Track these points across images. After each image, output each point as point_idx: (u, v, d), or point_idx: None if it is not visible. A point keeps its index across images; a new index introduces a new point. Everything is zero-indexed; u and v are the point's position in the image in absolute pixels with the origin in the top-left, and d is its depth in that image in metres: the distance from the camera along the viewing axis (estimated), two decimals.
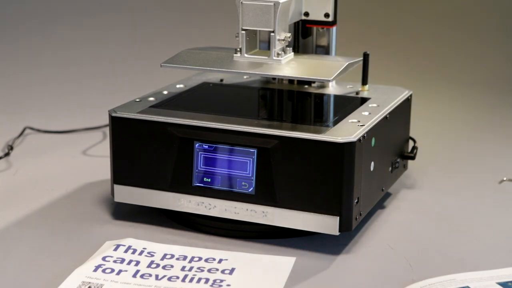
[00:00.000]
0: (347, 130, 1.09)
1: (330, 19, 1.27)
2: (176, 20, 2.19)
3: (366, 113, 1.17)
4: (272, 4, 1.14)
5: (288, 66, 1.16)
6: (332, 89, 1.31)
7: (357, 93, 1.29)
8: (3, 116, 1.68)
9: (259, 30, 1.18)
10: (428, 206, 1.27)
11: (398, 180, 1.31)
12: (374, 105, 1.21)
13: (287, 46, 1.18)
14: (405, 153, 1.30)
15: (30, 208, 1.25)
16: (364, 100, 1.24)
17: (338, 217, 1.07)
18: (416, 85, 1.81)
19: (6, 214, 1.22)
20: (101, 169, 1.38)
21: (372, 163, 1.14)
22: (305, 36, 1.30)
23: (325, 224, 1.08)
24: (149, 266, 1.05)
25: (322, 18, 1.28)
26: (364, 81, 1.29)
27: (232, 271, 1.04)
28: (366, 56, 1.27)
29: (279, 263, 1.06)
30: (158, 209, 1.19)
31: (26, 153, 1.49)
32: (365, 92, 1.29)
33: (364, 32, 2.13)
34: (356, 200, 1.09)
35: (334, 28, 1.30)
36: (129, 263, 1.06)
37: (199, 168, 1.13)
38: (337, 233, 1.08)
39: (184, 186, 1.14)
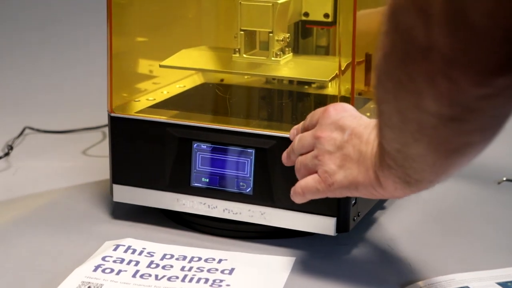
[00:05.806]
0: None
1: (330, 19, 1.27)
2: (175, 20, 2.18)
3: (367, 114, 1.16)
4: (270, 4, 1.14)
5: (286, 66, 1.16)
6: (332, 89, 1.31)
7: (359, 93, 1.28)
8: (3, 116, 1.68)
9: (259, 30, 1.18)
10: (428, 206, 1.27)
11: None
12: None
13: (286, 46, 1.18)
14: None
15: (29, 208, 1.25)
16: (365, 101, 1.23)
17: (335, 218, 1.07)
18: None
19: (6, 214, 1.22)
20: (101, 169, 1.38)
21: None
22: (305, 36, 1.30)
23: (322, 224, 1.08)
24: (148, 266, 1.05)
25: (321, 18, 1.27)
26: (366, 82, 1.29)
27: (231, 271, 1.04)
28: (368, 57, 1.26)
29: (279, 263, 1.06)
30: (157, 208, 1.19)
31: (26, 153, 1.48)
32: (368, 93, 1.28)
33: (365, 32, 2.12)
34: (354, 201, 1.08)
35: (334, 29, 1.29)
36: (128, 263, 1.06)
37: (197, 168, 1.13)
38: (334, 234, 1.08)
39: (182, 186, 1.14)
